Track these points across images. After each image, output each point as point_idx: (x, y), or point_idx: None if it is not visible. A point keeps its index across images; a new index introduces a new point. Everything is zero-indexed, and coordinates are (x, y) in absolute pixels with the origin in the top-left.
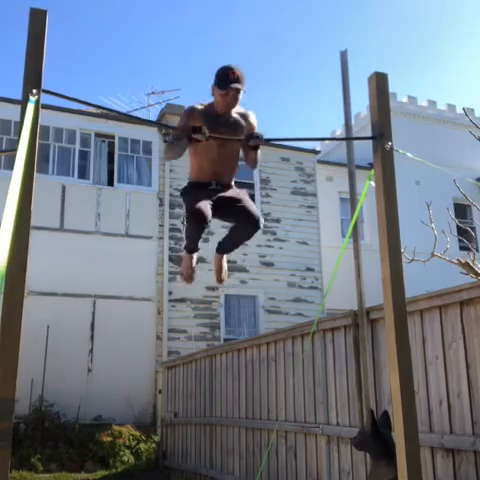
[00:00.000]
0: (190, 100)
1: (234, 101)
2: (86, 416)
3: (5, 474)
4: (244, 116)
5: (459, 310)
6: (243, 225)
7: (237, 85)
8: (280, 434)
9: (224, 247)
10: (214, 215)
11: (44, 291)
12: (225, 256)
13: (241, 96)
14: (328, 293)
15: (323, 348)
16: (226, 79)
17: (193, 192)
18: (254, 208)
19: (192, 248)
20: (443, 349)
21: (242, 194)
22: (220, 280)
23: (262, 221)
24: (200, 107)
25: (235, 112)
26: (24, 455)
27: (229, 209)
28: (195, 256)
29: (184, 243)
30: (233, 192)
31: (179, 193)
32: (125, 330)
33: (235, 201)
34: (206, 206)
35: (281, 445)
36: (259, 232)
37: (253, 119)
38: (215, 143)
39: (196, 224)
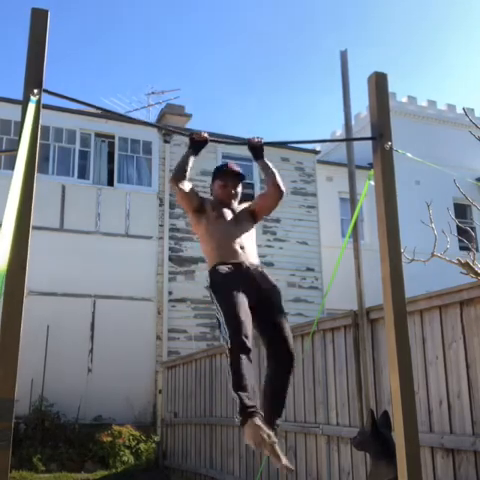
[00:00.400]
0: (190, 100)
1: (234, 191)
2: (86, 416)
3: (5, 474)
4: (246, 204)
5: (459, 310)
6: (276, 354)
7: (236, 171)
8: (280, 434)
9: (268, 415)
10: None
11: (44, 291)
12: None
13: (240, 188)
14: (328, 293)
15: (323, 348)
16: (224, 171)
17: (225, 289)
18: (291, 339)
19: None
20: (443, 349)
21: (279, 307)
22: (290, 470)
23: (295, 361)
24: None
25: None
26: (24, 455)
27: (267, 330)
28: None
29: (235, 393)
30: (274, 297)
31: (208, 289)
32: (125, 330)
33: (275, 326)
34: (247, 330)
35: (281, 445)
36: (259, 232)
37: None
38: (224, 220)
39: (240, 355)
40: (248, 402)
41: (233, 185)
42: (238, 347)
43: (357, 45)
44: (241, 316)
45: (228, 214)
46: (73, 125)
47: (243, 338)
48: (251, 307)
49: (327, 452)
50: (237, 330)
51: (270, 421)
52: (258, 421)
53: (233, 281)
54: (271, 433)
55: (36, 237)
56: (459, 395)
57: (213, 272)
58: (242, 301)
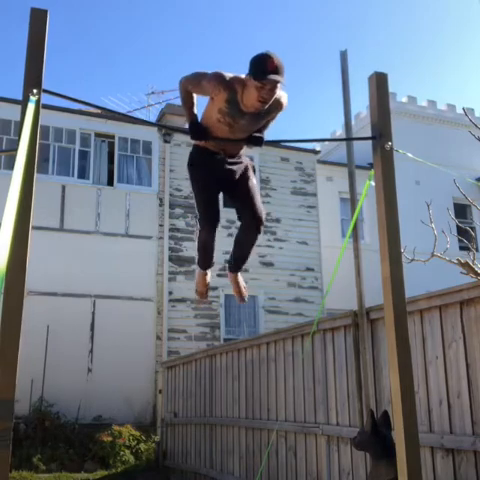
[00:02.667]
0: None
1: (270, 96)
2: (86, 416)
3: (5, 474)
4: (273, 104)
5: (459, 310)
6: (247, 223)
7: (276, 77)
8: (280, 434)
9: (235, 262)
10: (224, 193)
11: (44, 291)
12: (239, 273)
13: (278, 90)
14: (328, 293)
15: (323, 348)
16: (263, 69)
17: (200, 170)
18: (260, 206)
19: (205, 264)
20: (443, 349)
21: (251, 179)
22: (242, 299)
23: (263, 225)
24: (230, 83)
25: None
26: (24, 455)
27: (237, 199)
28: (209, 273)
29: (196, 256)
30: (245, 179)
31: (186, 165)
32: (125, 330)
33: (245, 194)
34: (213, 208)
35: (281, 445)
36: None
37: (284, 100)
38: (238, 115)
39: (207, 220)
40: (200, 265)
41: (270, 89)
42: (204, 215)
43: (357, 45)
44: (206, 186)
45: (235, 125)
46: (73, 125)
47: (207, 207)
48: (225, 187)
49: (327, 452)
50: (201, 196)
51: (233, 268)
52: (207, 276)
53: (207, 165)
54: (208, 290)
55: (36, 237)
56: (459, 395)
57: (193, 155)
58: (209, 177)
